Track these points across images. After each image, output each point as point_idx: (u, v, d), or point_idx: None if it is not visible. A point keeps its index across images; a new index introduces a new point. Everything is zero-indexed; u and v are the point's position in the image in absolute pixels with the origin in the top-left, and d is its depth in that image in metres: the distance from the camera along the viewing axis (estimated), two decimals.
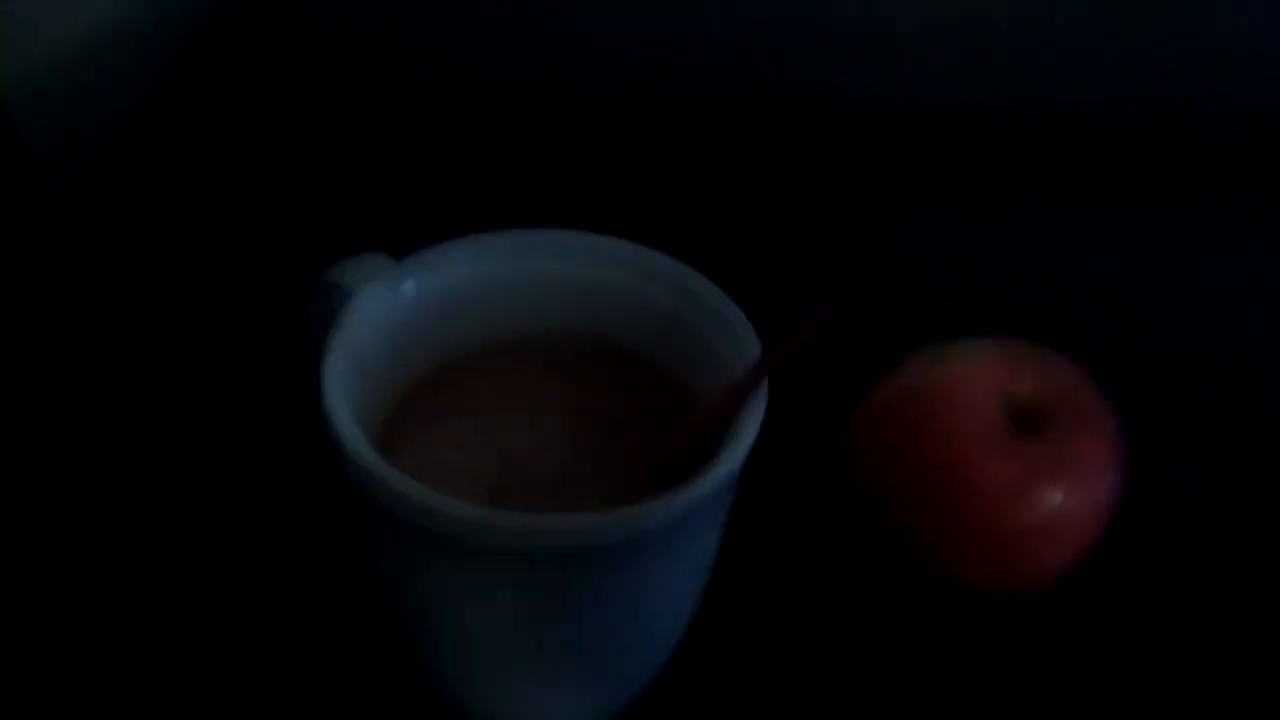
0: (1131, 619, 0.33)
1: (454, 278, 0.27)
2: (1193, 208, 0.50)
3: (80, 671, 0.30)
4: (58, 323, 0.41)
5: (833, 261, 0.45)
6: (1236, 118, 0.56)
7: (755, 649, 0.31)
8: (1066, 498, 0.29)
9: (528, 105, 0.54)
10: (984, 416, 0.30)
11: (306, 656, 0.30)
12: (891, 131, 0.53)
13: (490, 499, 0.21)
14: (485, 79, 0.56)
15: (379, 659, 0.30)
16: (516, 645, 0.24)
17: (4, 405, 0.37)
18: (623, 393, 0.27)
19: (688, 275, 0.27)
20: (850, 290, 0.44)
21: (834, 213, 0.48)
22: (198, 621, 0.31)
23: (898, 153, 0.52)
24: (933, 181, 0.50)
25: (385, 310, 0.26)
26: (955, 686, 0.31)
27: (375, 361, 0.25)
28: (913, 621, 0.32)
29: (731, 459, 0.23)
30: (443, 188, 0.48)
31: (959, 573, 0.31)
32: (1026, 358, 0.32)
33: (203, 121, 0.52)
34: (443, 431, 0.26)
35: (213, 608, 0.31)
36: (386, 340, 0.25)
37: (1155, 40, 0.61)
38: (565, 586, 0.22)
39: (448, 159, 0.50)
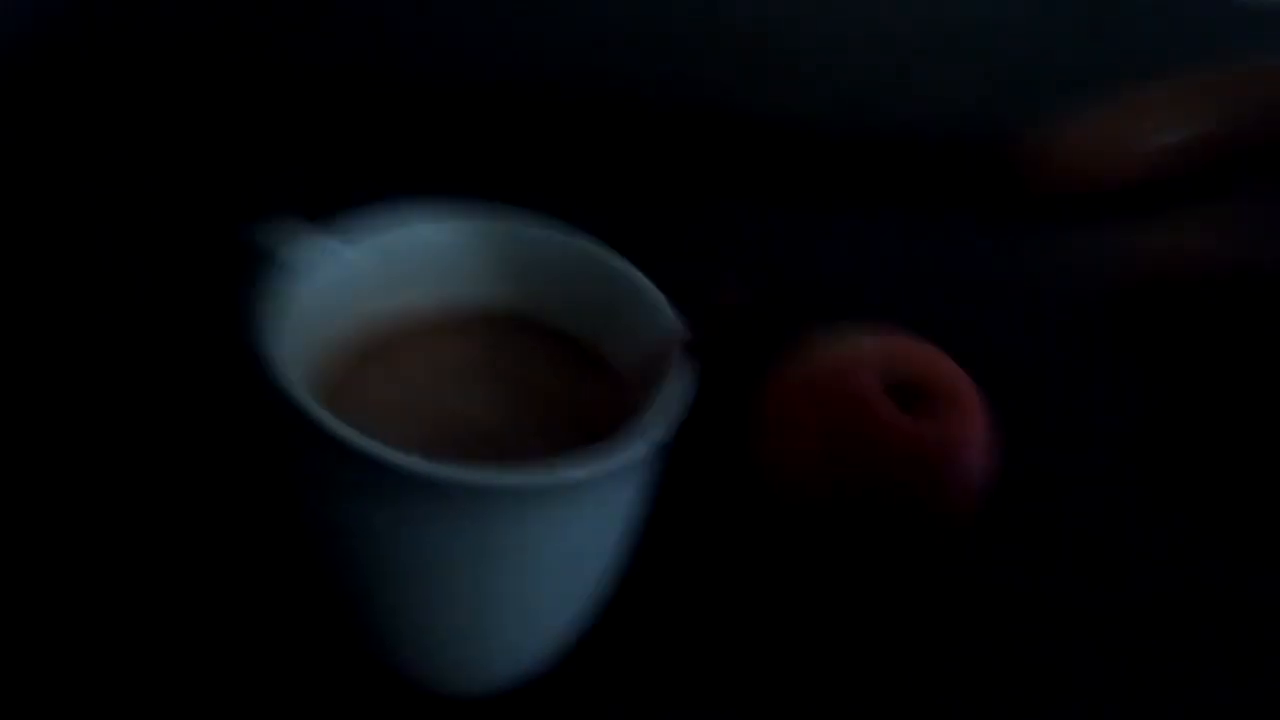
0: (996, 579, 0.37)
1: (390, 247, 0.28)
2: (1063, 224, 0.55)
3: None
4: None
5: (746, 261, 0.49)
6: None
7: (675, 609, 0.33)
8: (943, 468, 0.33)
9: (454, 90, 0.55)
10: (872, 393, 0.33)
11: (242, 624, 0.31)
12: (805, 147, 0.57)
13: (425, 452, 0.22)
14: (414, 56, 0.56)
15: (312, 622, 0.31)
16: (446, 590, 0.25)
17: None
18: (551, 366, 0.29)
19: (615, 261, 0.29)
20: (760, 286, 0.47)
21: (756, 219, 0.52)
22: (127, 587, 0.31)
23: (812, 167, 0.56)
24: (843, 195, 0.55)
25: (324, 275, 0.26)
26: (843, 633, 0.34)
27: (314, 323, 0.26)
28: (809, 577, 0.35)
29: (657, 429, 0.24)
30: (360, 166, 0.49)
31: (851, 531, 0.34)
32: (907, 346, 0.35)
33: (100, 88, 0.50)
34: (379, 391, 0.27)
35: (145, 574, 0.31)
36: (324, 303, 0.26)
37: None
38: (496, 534, 0.24)
39: (374, 136, 0.51)
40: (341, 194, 0.29)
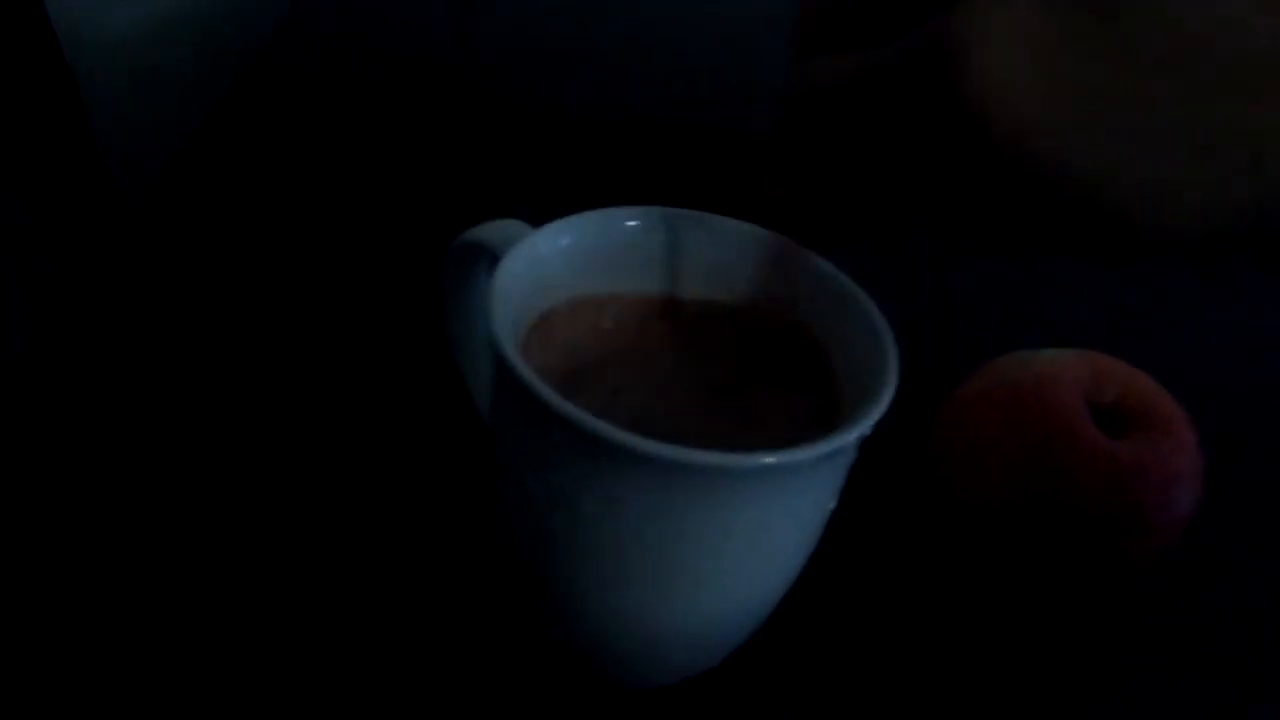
0: (1174, 620, 0.34)
1: (594, 235, 0.29)
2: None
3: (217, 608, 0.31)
4: (135, 309, 0.42)
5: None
6: None
7: (848, 612, 0.33)
8: (1149, 497, 0.31)
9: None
10: (1075, 412, 0.31)
11: (431, 612, 0.32)
12: None
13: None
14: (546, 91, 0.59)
15: (499, 611, 0.32)
16: (635, 568, 0.25)
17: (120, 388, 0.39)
18: (740, 345, 0.29)
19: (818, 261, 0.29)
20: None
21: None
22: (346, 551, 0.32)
23: None
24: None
25: (534, 259, 0.27)
26: (1011, 652, 0.33)
27: (524, 304, 0.27)
28: (987, 592, 0.34)
29: (862, 425, 0.24)
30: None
31: (1040, 555, 0.32)
32: (1109, 366, 0.33)
33: (274, 122, 0.55)
34: (563, 362, 0.28)
35: (347, 556, 0.33)
36: (534, 285, 0.28)
37: None
38: (687, 514, 0.24)
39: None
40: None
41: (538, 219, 0.29)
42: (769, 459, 0.22)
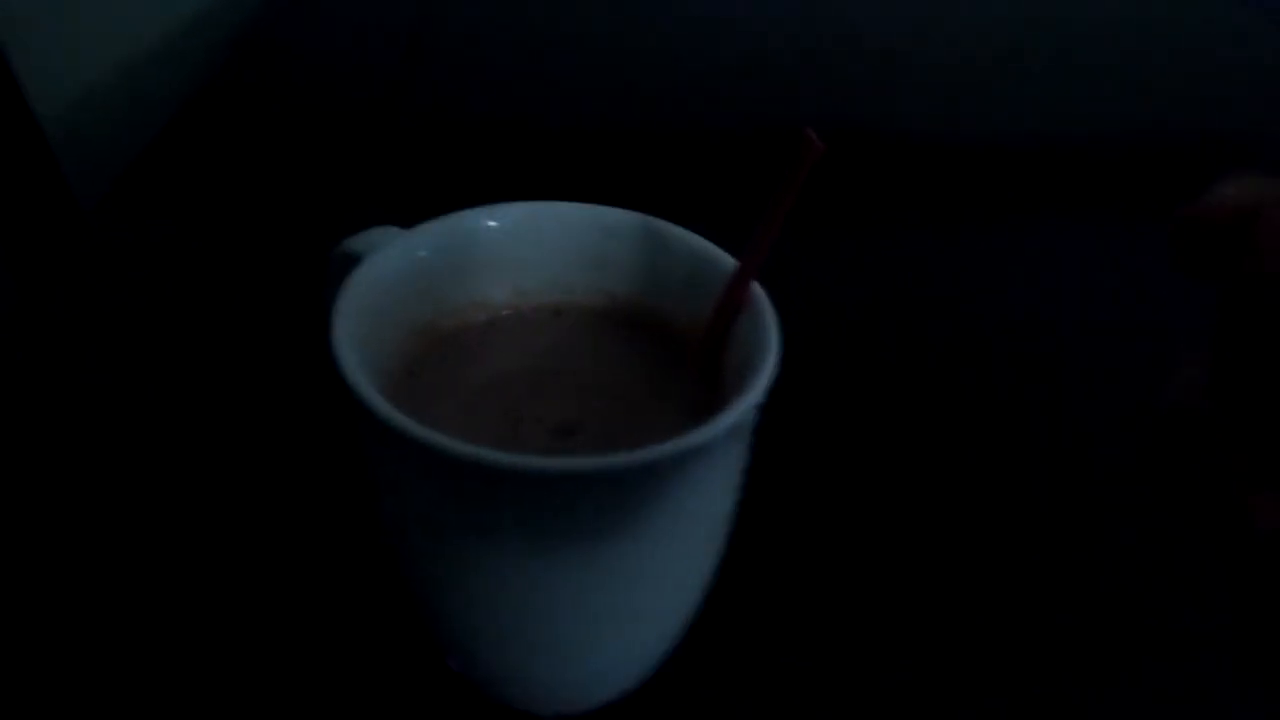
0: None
1: (461, 240, 0.27)
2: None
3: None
4: (82, 321, 0.41)
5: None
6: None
7: (773, 626, 0.31)
8: None
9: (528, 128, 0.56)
10: None
11: (331, 639, 0.30)
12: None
13: (499, 444, 0.21)
14: (494, 100, 0.58)
15: (396, 639, 0.30)
16: (518, 593, 0.23)
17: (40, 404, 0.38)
18: (630, 344, 0.28)
19: (683, 233, 0.27)
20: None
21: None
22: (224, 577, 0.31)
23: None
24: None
25: (394, 270, 0.26)
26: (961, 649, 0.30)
27: (390, 315, 0.25)
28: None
29: (739, 409, 0.22)
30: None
31: None
32: None
33: (220, 138, 0.54)
34: (456, 382, 0.26)
35: (235, 576, 0.31)
36: (396, 298, 0.26)
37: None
38: (565, 528, 0.22)
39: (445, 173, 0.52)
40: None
41: None
42: (603, 464, 0.20)
